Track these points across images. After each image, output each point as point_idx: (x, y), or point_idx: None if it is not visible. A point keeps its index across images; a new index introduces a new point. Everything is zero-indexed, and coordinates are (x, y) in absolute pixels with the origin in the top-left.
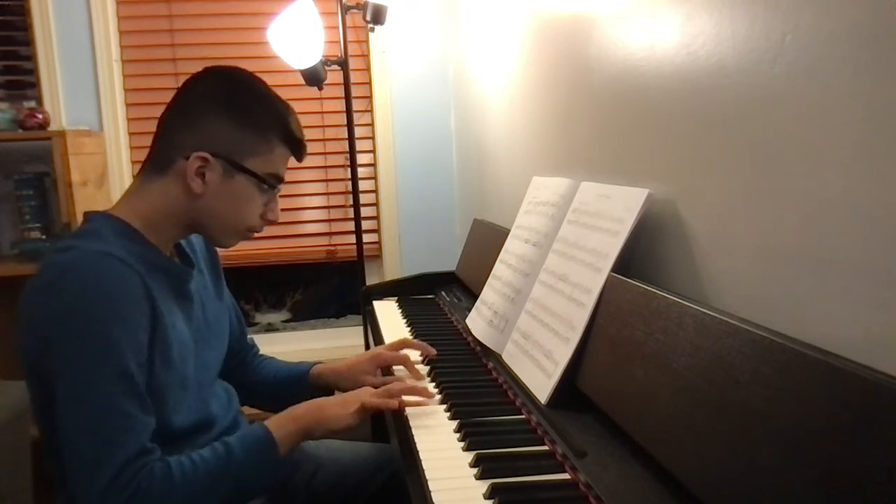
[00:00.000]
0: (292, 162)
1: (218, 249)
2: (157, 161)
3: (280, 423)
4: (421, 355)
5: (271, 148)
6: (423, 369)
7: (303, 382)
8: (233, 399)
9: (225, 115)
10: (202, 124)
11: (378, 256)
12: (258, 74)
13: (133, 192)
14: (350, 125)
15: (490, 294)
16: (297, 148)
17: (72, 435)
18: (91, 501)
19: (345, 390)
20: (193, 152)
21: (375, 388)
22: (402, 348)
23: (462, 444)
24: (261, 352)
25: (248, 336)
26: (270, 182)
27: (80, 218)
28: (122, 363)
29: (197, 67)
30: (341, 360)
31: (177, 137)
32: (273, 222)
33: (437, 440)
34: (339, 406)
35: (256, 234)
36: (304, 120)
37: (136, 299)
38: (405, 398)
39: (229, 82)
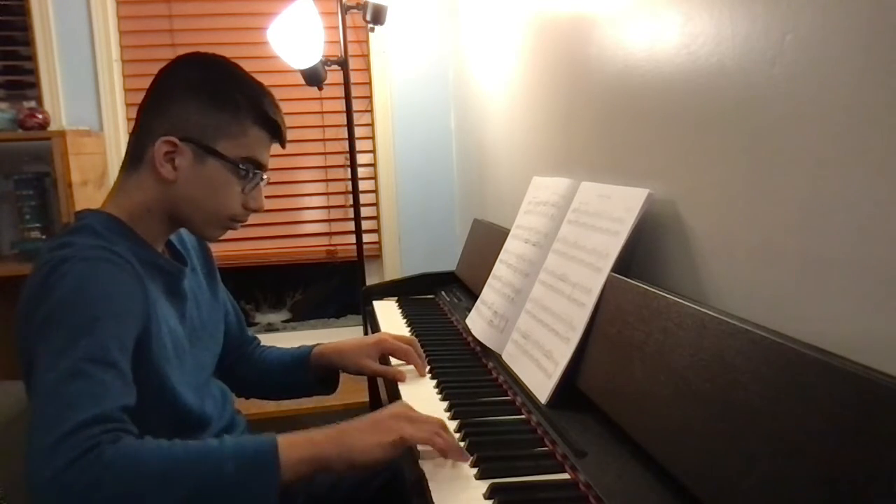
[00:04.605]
0: (293, 162)
1: (214, 248)
2: (133, 155)
3: (293, 443)
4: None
5: (244, 130)
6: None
7: (305, 365)
8: (228, 398)
9: (194, 98)
10: (171, 109)
11: (378, 256)
12: (258, 74)
13: (115, 189)
14: (350, 125)
15: (490, 294)
16: (275, 130)
17: (35, 402)
18: (38, 460)
19: (346, 371)
20: (161, 137)
21: (372, 372)
22: (407, 343)
23: (462, 444)
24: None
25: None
26: (247, 167)
27: None
28: (101, 338)
29: None
30: (345, 341)
31: (149, 127)
32: (256, 211)
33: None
34: (369, 434)
35: (256, 235)
36: (303, 120)
37: (128, 293)
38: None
39: (200, 67)
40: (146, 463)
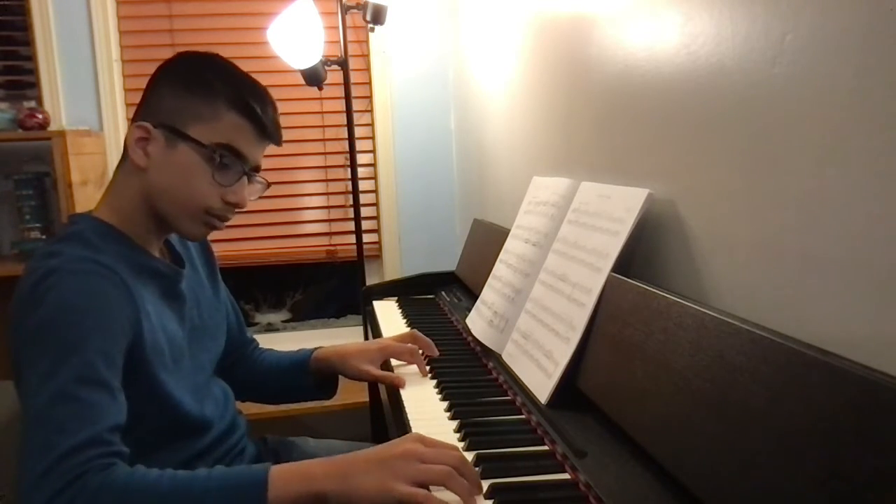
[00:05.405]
0: (293, 162)
1: (214, 248)
2: (123, 153)
3: (286, 477)
4: (423, 354)
5: (217, 114)
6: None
7: (304, 369)
8: (229, 399)
9: (172, 86)
10: (151, 99)
11: (378, 256)
12: (258, 74)
13: (107, 189)
14: (350, 125)
15: (490, 294)
16: (256, 119)
17: (26, 427)
18: (27, 487)
19: (346, 376)
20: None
21: (373, 378)
22: (409, 341)
23: (462, 444)
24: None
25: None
26: (220, 153)
27: None
28: (88, 356)
29: None
30: (348, 345)
31: (133, 119)
32: (237, 205)
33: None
34: (376, 475)
35: (256, 235)
36: (303, 120)
37: (115, 309)
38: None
39: (187, 59)
40: (131, 496)
